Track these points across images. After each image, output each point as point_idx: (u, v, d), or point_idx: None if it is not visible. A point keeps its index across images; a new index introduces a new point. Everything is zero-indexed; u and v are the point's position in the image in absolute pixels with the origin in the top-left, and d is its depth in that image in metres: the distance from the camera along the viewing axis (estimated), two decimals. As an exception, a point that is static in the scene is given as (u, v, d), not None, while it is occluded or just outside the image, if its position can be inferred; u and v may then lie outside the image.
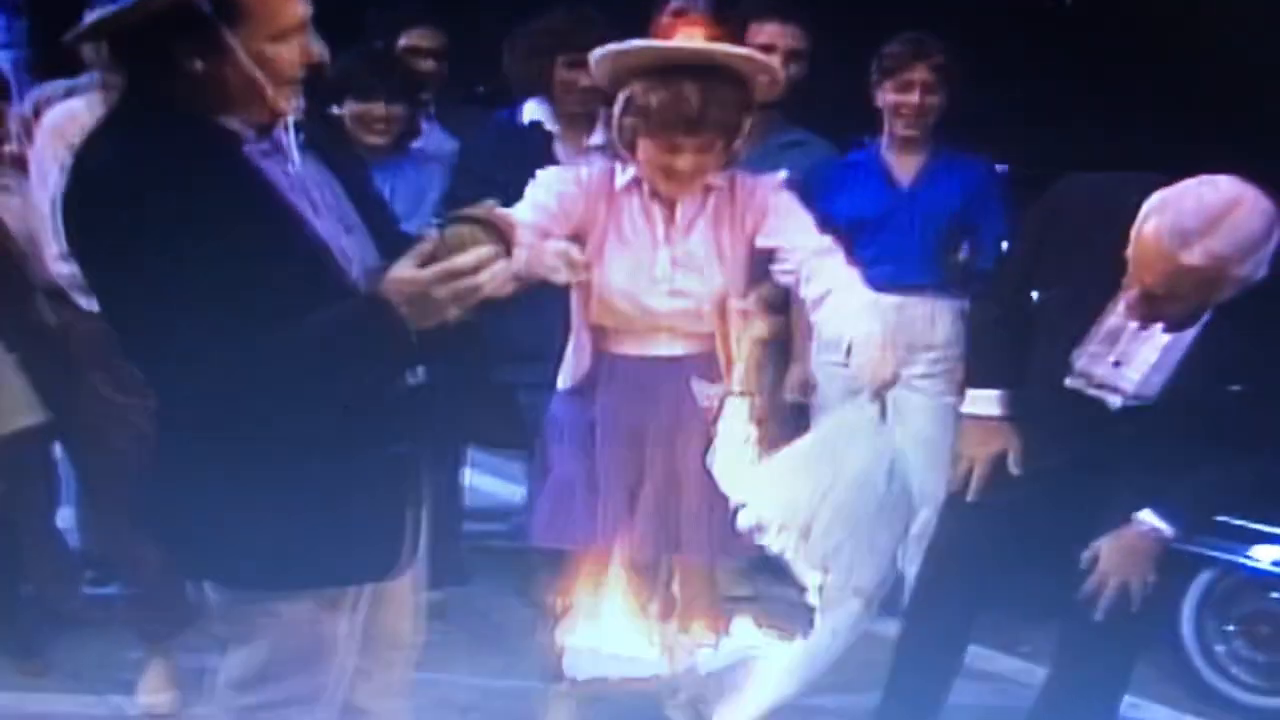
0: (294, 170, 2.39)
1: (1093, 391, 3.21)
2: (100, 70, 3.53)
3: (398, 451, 2.45)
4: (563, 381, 3.41)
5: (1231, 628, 4.07)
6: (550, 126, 4.37)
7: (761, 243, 3.26)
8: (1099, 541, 3.19)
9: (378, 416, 2.40)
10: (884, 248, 4.19)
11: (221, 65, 2.26)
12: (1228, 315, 3.01)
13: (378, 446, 2.42)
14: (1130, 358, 3.15)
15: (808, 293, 3.18)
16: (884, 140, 4.35)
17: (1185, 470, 3.13)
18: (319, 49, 2.37)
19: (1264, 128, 4.58)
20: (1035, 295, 3.30)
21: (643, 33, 3.50)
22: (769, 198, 3.27)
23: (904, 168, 4.33)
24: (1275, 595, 4.00)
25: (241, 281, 2.20)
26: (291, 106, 2.36)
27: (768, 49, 4.25)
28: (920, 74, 4.22)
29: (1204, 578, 4.03)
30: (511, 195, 4.27)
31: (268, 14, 2.28)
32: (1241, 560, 3.94)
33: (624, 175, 3.26)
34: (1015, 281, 3.36)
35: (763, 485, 3.03)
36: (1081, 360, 3.19)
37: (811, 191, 4.37)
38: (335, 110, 4.18)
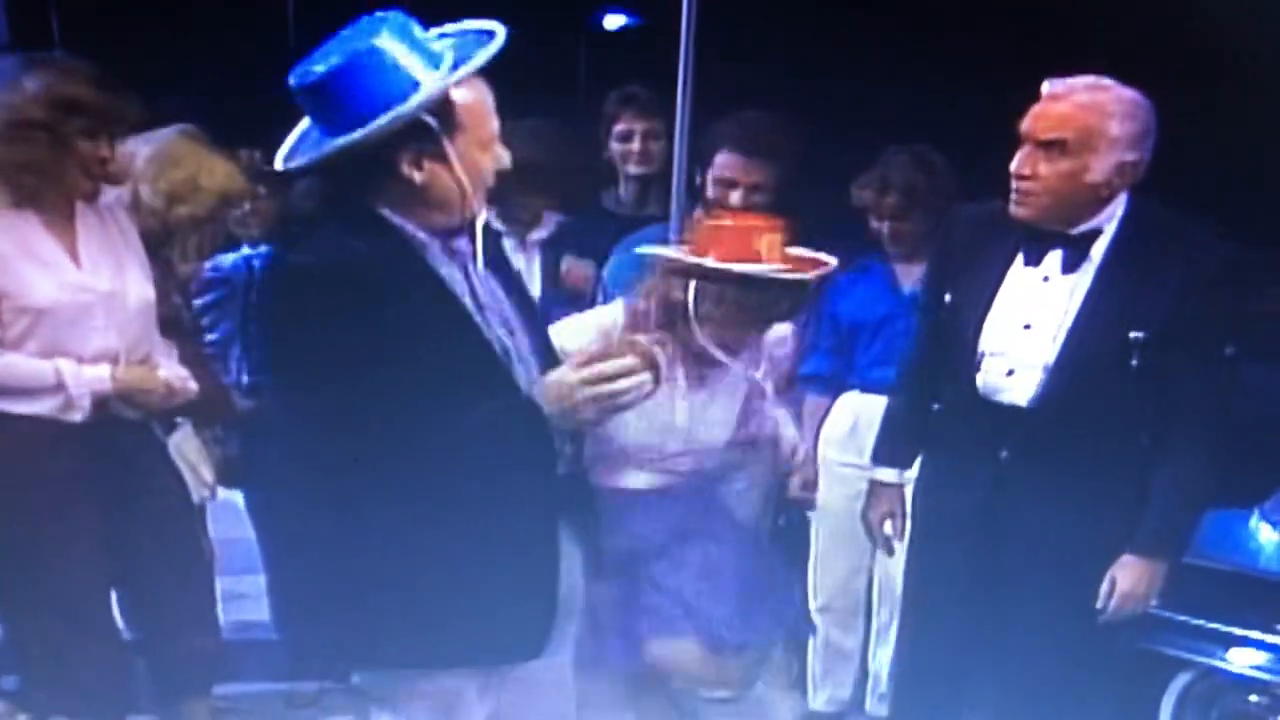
0: (472, 274, 2.64)
1: (1000, 384, 3.32)
2: None
3: (546, 533, 2.65)
4: None
5: (1211, 730, 4.08)
6: (496, 225, 4.47)
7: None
8: (1113, 569, 3.29)
9: (524, 501, 2.58)
10: (885, 351, 4.26)
11: (437, 171, 2.55)
12: (1117, 257, 3.26)
13: (525, 529, 2.60)
14: (1037, 317, 3.29)
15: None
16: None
17: (1114, 465, 3.29)
18: (507, 156, 2.65)
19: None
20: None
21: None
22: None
23: (908, 275, 4.39)
24: (1253, 699, 4.00)
25: (414, 376, 2.44)
26: (483, 210, 2.63)
27: (730, 184, 4.35)
28: (891, 200, 4.32)
29: (1181, 680, 4.05)
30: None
31: (475, 124, 2.58)
32: (1218, 664, 3.95)
33: None
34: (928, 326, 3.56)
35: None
36: (989, 338, 3.32)
37: (824, 292, 4.48)
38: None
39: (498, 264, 2.74)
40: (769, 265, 3.33)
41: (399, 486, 2.47)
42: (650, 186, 4.67)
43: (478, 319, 2.60)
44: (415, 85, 2.49)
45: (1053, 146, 3.22)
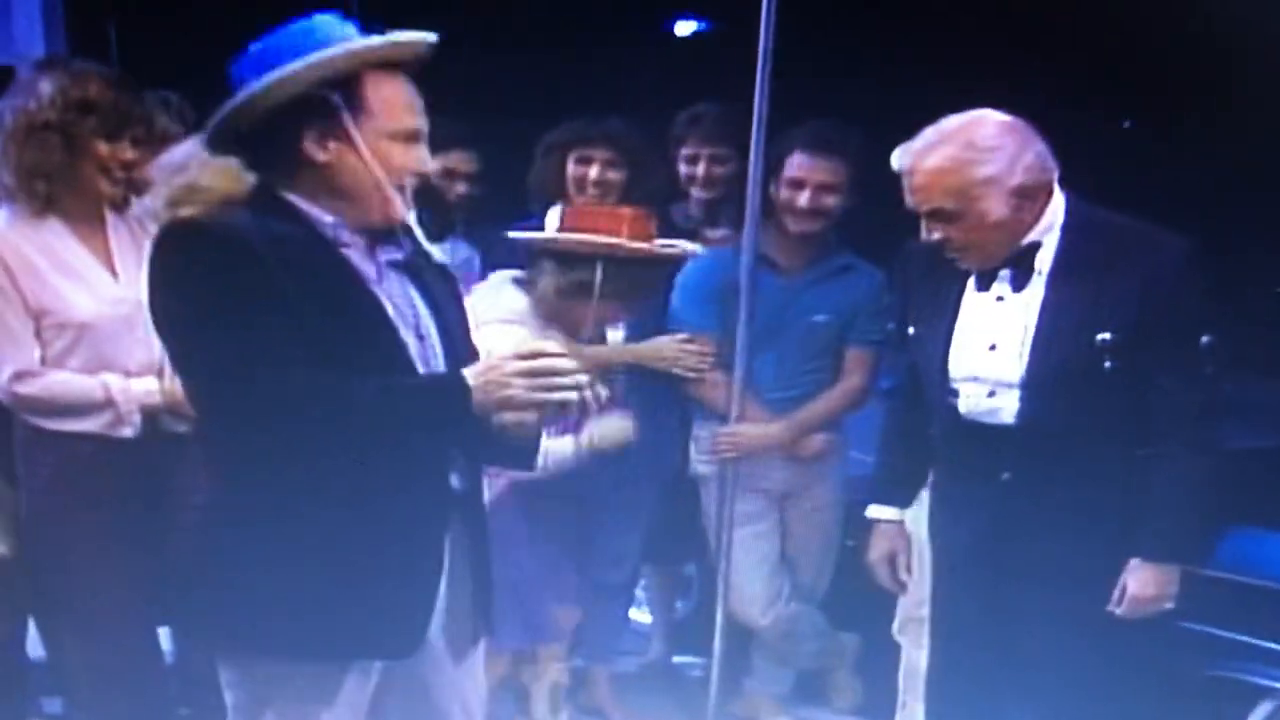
0: (387, 276, 2.55)
1: (984, 407, 3.29)
2: None
3: (431, 528, 2.58)
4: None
5: (1293, 760, 4.00)
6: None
7: None
8: (1125, 575, 3.27)
9: (417, 493, 2.53)
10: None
11: (343, 155, 2.49)
12: (1066, 264, 3.23)
13: (414, 524, 2.54)
14: (1000, 336, 3.27)
15: None
16: None
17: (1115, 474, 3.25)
18: (430, 162, 2.59)
19: None
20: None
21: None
22: None
23: None
24: (1338, 728, 3.93)
25: (317, 356, 2.39)
26: (404, 211, 2.54)
27: (798, 184, 4.29)
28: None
29: (1263, 709, 3.95)
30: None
31: (388, 115, 2.51)
32: (1302, 692, 3.87)
33: None
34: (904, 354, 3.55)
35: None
36: (959, 364, 3.31)
37: None
38: None
39: (427, 275, 2.65)
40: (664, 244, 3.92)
41: (283, 464, 2.42)
42: (721, 205, 4.60)
43: (388, 311, 2.52)
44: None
45: (938, 215, 3.19)
